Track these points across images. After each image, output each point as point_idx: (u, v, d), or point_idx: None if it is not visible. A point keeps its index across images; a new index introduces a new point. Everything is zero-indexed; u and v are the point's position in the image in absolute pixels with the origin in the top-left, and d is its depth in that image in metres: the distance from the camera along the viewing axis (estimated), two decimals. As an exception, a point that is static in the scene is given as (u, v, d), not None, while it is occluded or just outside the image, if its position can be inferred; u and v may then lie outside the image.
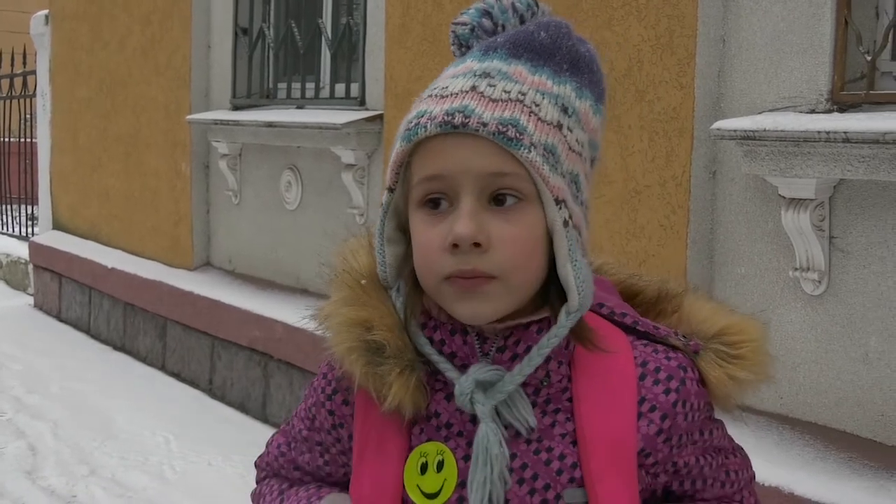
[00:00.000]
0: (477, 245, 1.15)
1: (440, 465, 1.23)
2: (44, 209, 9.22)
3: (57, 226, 8.86)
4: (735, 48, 3.39)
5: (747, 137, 3.12)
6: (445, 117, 1.16)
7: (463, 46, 1.26)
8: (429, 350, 1.24)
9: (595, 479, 1.21)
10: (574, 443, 1.22)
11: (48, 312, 8.70)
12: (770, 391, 3.32)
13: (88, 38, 8.07)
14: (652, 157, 3.52)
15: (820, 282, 3.16)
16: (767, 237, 3.32)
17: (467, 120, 1.15)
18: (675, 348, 1.29)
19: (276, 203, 5.98)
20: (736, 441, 1.41)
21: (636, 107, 3.57)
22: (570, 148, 1.19)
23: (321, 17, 5.72)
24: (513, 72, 1.19)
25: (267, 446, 1.49)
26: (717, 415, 1.35)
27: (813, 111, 3.13)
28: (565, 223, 1.18)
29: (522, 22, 1.25)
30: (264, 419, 5.68)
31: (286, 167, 5.86)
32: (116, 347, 7.49)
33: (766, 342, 1.33)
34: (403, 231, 1.26)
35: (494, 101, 1.16)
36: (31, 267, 9.23)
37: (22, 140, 10.88)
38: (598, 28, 3.69)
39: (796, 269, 3.19)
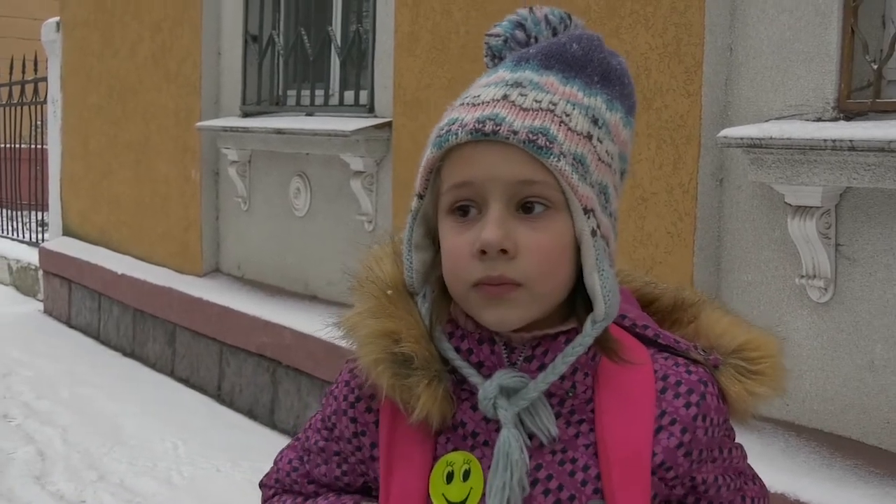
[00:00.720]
0: (504, 252, 1.16)
1: (466, 475, 1.23)
2: (54, 215, 9.26)
3: (67, 232, 8.90)
4: (742, 56, 3.40)
5: (754, 145, 3.13)
6: (476, 125, 1.16)
7: (496, 58, 1.27)
8: (453, 356, 1.24)
9: (615, 490, 1.21)
10: (597, 454, 1.23)
11: (58, 318, 8.73)
12: (776, 398, 3.32)
13: (99, 45, 8.11)
14: (659, 165, 3.54)
15: (826, 289, 3.16)
16: (774, 245, 3.33)
17: (498, 128, 1.15)
18: (695, 362, 1.29)
19: (286, 210, 6.00)
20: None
21: (644, 114, 3.58)
22: (599, 159, 1.20)
23: (331, 25, 5.75)
24: (544, 82, 1.20)
25: (275, 463, 1.47)
26: (735, 429, 1.35)
27: (819, 119, 3.14)
28: (593, 232, 1.19)
29: (555, 34, 1.26)
30: (272, 425, 5.69)
31: (295, 174, 5.88)
32: (126, 353, 7.51)
33: (784, 358, 1.33)
34: (431, 238, 1.27)
35: (525, 110, 1.17)
36: (41, 273, 9.26)
37: (33, 146, 10.92)
38: (606, 36, 3.67)
39: (802, 277, 3.20)
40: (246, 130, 6.05)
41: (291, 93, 6.18)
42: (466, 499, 1.23)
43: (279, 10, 6.25)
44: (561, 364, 1.21)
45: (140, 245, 7.57)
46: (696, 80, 3.41)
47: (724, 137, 3.23)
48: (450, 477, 1.24)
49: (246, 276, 6.46)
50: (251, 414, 5.94)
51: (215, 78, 6.72)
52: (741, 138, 3.17)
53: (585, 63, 1.22)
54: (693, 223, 3.44)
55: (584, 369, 1.24)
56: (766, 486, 1.43)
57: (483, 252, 1.16)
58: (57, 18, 9.03)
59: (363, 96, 5.42)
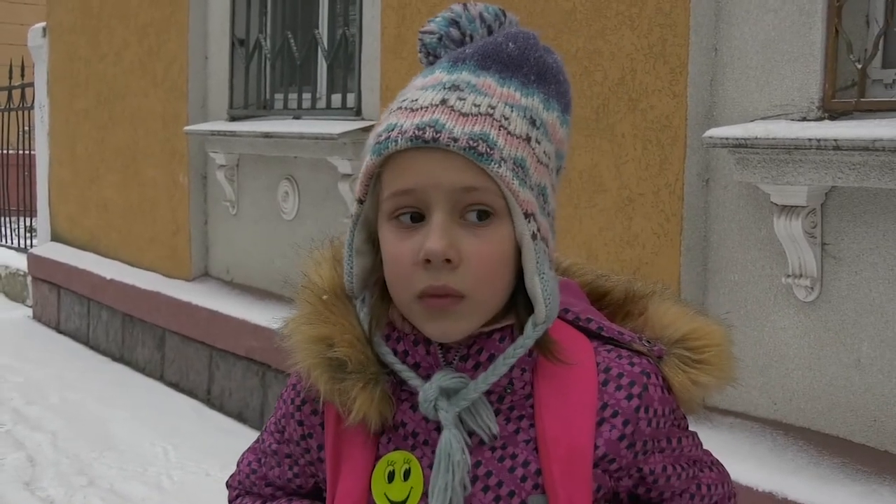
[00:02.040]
0: (448, 261, 1.16)
1: (407, 474, 1.24)
2: (42, 221, 9.23)
3: (56, 237, 8.88)
4: (727, 57, 3.42)
5: (739, 145, 3.14)
6: (416, 132, 1.16)
7: (430, 55, 1.27)
8: (392, 359, 1.25)
9: (556, 484, 1.21)
10: (537, 449, 1.23)
11: (47, 324, 8.71)
12: (764, 397, 3.34)
13: (86, 50, 8.10)
14: (645, 166, 3.55)
15: (812, 288, 3.18)
16: (760, 244, 3.34)
17: (438, 135, 1.15)
18: (639, 353, 1.30)
19: (274, 213, 6.00)
20: (718, 458, 1.42)
21: (629, 115, 3.59)
22: (538, 160, 1.20)
23: (317, 28, 5.75)
24: (481, 84, 1.19)
25: (238, 465, 1.49)
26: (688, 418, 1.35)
27: (804, 119, 3.15)
28: (534, 236, 1.19)
29: (490, 32, 1.25)
30: (262, 429, 5.68)
31: (283, 177, 5.88)
32: (115, 358, 7.49)
33: (730, 346, 1.34)
34: (372, 242, 1.27)
35: (465, 115, 1.16)
36: (29, 279, 9.24)
37: (20, 152, 10.88)
38: (592, 37, 3.71)
39: (789, 276, 3.21)
40: (233, 134, 6.04)
41: (279, 96, 6.17)
42: (407, 498, 1.24)
43: (266, 13, 6.25)
44: (502, 365, 1.22)
45: (129, 250, 7.56)
46: (681, 81, 3.42)
47: (710, 138, 3.24)
48: (391, 476, 1.25)
49: (235, 279, 6.45)
50: (241, 418, 5.93)
51: (202, 82, 6.71)
52: (726, 138, 3.18)
53: (522, 62, 1.21)
54: (680, 224, 3.45)
55: (521, 365, 1.25)
56: (728, 471, 1.43)
57: (427, 261, 1.16)
58: (43, 24, 9.02)
59: (350, 99, 5.42)
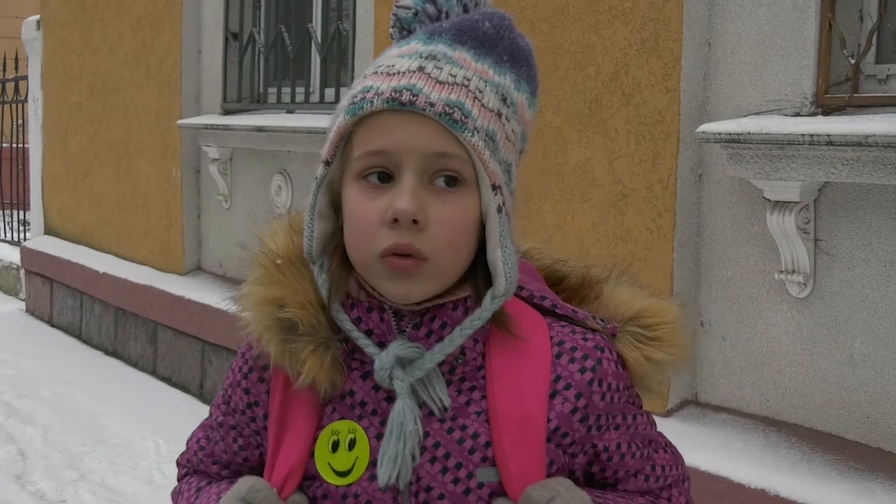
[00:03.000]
0: (415, 222, 1.17)
1: (352, 444, 1.24)
2: (36, 214, 9.21)
3: (49, 231, 8.86)
4: (720, 51, 3.40)
5: (732, 140, 3.13)
6: (393, 94, 1.17)
7: (404, 30, 1.28)
8: (349, 326, 1.25)
9: (507, 456, 1.22)
10: (488, 421, 1.23)
11: (40, 317, 8.69)
12: (756, 393, 3.33)
13: (80, 43, 8.07)
14: (638, 161, 3.53)
15: (805, 284, 3.17)
16: (753, 240, 3.33)
17: (415, 98, 1.16)
18: (593, 330, 1.31)
19: (267, 207, 5.98)
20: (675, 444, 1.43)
21: (622, 110, 3.58)
22: (507, 137, 1.22)
23: (311, 22, 5.73)
24: (457, 57, 1.21)
25: (187, 442, 1.49)
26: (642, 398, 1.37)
27: (797, 114, 3.14)
28: (499, 209, 1.21)
29: (466, 10, 1.27)
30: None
31: (276, 171, 5.87)
32: (108, 352, 7.48)
33: (682, 324, 1.35)
34: (334, 207, 1.28)
35: (441, 83, 1.18)
36: (22, 272, 9.22)
37: (14, 145, 10.86)
38: (585, 31, 3.70)
39: (782, 272, 3.20)
40: (227, 128, 6.02)
41: (272, 90, 6.16)
42: (352, 468, 1.24)
43: (259, 7, 6.23)
44: (458, 336, 1.23)
45: (121, 243, 7.54)
46: (674, 76, 3.41)
47: (703, 133, 3.23)
48: (335, 446, 1.25)
49: (227, 273, 6.43)
50: (233, 412, 5.91)
51: (196, 76, 6.69)
52: (719, 133, 3.17)
53: (496, 41, 1.23)
54: (672, 219, 3.44)
55: (473, 336, 1.25)
56: (682, 455, 1.44)
57: (395, 221, 1.17)
58: (37, 17, 8.99)
59: (344, 93, 5.40)
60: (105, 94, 7.67)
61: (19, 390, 6.42)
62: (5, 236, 11.00)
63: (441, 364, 1.24)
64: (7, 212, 11.26)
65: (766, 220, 3.20)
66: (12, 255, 9.86)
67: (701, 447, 3.22)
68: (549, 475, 1.24)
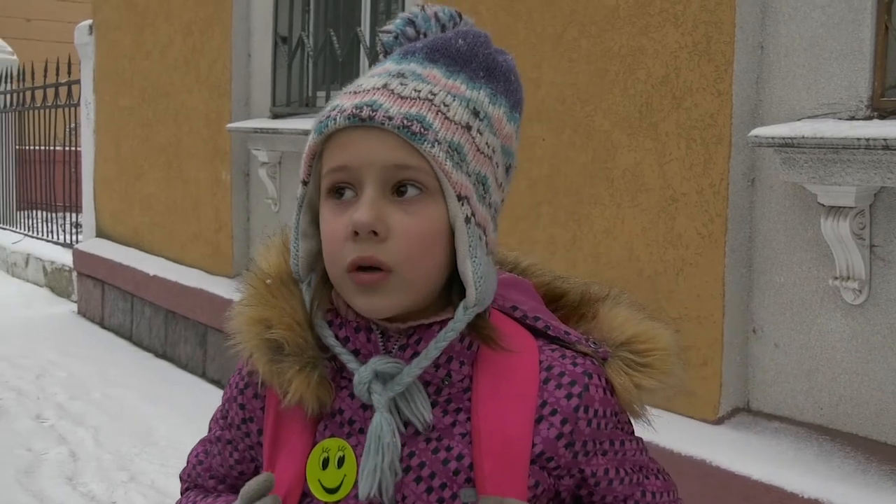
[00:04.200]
0: (375, 234, 1.19)
1: (341, 461, 1.26)
2: (88, 217, 9.31)
3: (100, 233, 8.95)
4: (773, 54, 3.35)
5: (786, 145, 3.08)
6: (354, 110, 1.20)
7: (387, 53, 1.32)
8: (332, 342, 1.27)
9: (487, 478, 1.22)
10: (472, 442, 1.24)
11: (91, 319, 8.78)
12: (810, 402, 3.28)
13: (131, 47, 8.15)
14: (689, 165, 3.49)
15: (860, 291, 3.11)
16: (807, 245, 3.28)
17: (374, 113, 1.19)
18: (584, 354, 1.31)
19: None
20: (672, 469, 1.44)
21: (673, 114, 3.54)
22: (478, 149, 1.23)
23: (360, 26, 5.74)
24: (427, 74, 1.24)
25: (188, 458, 1.50)
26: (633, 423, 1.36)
27: (853, 118, 3.09)
28: (467, 220, 1.21)
29: (444, 31, 1.30)
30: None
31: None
32: (158, 354, 7.54)
33: (675, 351, 1.34)
34: (316, 225, 1.29)
35: (403, 98, 1.21)
36: (75, 274, 9.32)
37: (67, 148, 10.99)
38: (635, 35, 3.66)
39: (836, 278, 3.15)
40: (276, 132, 6.05)
41: (321, 94, 6.17)
42: (340, 485, 1.25)
43: (308, 11, 6.25)
44: (434, 349, 1.23)
45: (172, 246, 7.59)
46: (726, 79, 3.37)
47: (756, 137, 3.18)
48: (325, 463, 1.27)
49: (276, 277, 6.45)
50: (282, 415, 5.93)
51: (245, 79, 6.73)
52: (773, 138, 3.12)
53: (470, 58, 1.26)
54: (724, 224, 3.39)
55: (459, 357, 1.26)
56: (675, 483, 1.43)
57: (356, 233, 1.19)
58: (90, 21, 9.08)
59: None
60: (156, 98, 7.73)
61: (71, 392, 6.49)
62: (58, 239, 11.12)
63: (428, 385, 1.26)
64: (60, 214, 11.39)
65: (820, 226, 3.15)
66: (65, 258, 9.97)
67: (753, 456, 3.18)
68: (535, 496, 1.25)
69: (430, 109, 1.20)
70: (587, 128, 3.87)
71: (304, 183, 1.28)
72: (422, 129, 1.19)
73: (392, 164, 1.20)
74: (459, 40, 1.27)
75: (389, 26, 1.32)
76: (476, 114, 1.23)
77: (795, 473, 3.06)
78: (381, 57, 1.33)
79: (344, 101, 1.23)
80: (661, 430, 3.46)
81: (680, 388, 1.34)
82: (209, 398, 6.36)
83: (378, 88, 1.22)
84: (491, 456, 1.23)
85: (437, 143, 1.19)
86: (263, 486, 1.23)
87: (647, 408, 1.34)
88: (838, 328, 3.20)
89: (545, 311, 1.37)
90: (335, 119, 1.21)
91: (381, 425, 1.22)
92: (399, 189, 1.21)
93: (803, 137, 3.02)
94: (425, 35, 1.30)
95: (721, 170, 3.39)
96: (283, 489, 1.27)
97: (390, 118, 1.18)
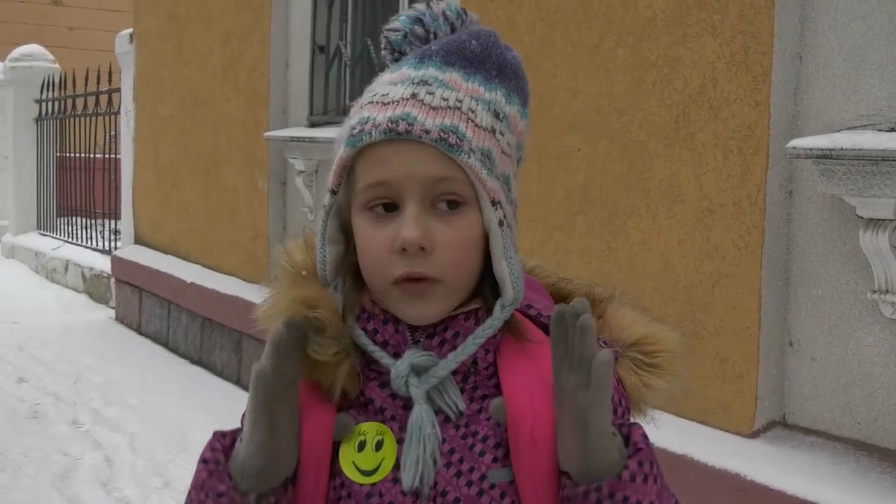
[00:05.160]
0: (422, 249, 1.22)
1: (379, 445, 1.28)
2: (126, 224, 9.39)
3: (139, 240, 9.02)
4: (812, 65, 3.32)
5: (824, 156, 3.05)
6: (389, 124, 1.21)
7: (395, 52, 1.33)
8: (364, 341, 1.29)
9: (520, 453, 1.24)
10: (499, 424, 1.27)
11: (129, 325, 8.85)
12: (847, 416, 3.24)
13: (171, 56, 8.21)
14: (726, 176, 3.46)
15: (899, 305, 3.07)
16: (845, 258, 3.24)
17: (410, 127, 1.20)
18: None
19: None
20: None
21: (710, 124, 3.51)
22: (502, 151, 1.27)
23: (397, 35, 5.74)
24: (448, 79, 1.25)
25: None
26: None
27: (892, 129, 3.05)
28: (500, 223, 1.26)
29: (453, 29, 1.32)
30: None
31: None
32: (193, 361, 7.58)
33: (681, 354, 1.38)
34: (344, 231, 1.32)
35: (434, 108, 1.22)
36: (113, 280, 9.40)
37: (107, 156, 11.09)
38: (672, 45, 3.64)
39: (875, 292, 3.11)
40: (312, 140, 6.07)
41: (358, 103, 6.18)
42: (378, 468, 1.27)
43: (346, 20, 6.27)
44: (471, 345, 1.27)
45: (209, 254, 7.64)
46: (764, 90, 3.34)
47: (794, 148, 3.15)
48: (361, 446, 1.28)
49: (312, 285, 6.47)
50: (315, 423, 5.94)
51: (283, 88, 6.76)
52: (811, 149, 3.09)
53: (484, 59, 1.28)
54: (761, 236, 3.36)
55: (485, 346, 1.29)
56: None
57: (403, 249, 1.22)
58: (130, 30, 9.17)
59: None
60: (195, 107, 7.79)
61: (107, 397, 6.54)
62: (97, 245, 11.22)
63: (455, 373, 1.29)
64: (99, 221, 11.49)
65: (858, 238, 3.11)
66: (103, 264, 10.05)
67: (789, 471, 3.14)
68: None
69: (460, 118, 1.23)
70: (623, 138, 3.85)
71: (333, 192, 1.30)
72: (458, 141, 1.21)
73: (432, 177, 1.22)
74: (473, 41, 1.29)
75: (396, 24, 1.33)
76: (497, 116, 1.26)
77: (832, 489, 3.02)
78: (385, 54, 1.35)
79: (374, 112, 1.24)
80: (696, 442, 3.43)
81: (683, 389, 1.37)
82: (244, 405, 6.34)
83: (407, 99, 1.23)
84: (522, 434, 1.25)
85: (471, 153, 1.22)
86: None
87: (650, 409, 1.38)
88: (876, 342, 3.16)
89: None
90: (370, 133, 1.22)
91: (422, 417, 1.24)
92: (439, 201, 1.23)
93: (842, 149, 2.99)
94: (434, 34, 1.31)
95: (758, 181, 3.36)
96: (311, 475, 1.28)
97: (427, 131, 1.20)
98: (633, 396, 1.34)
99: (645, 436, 1.27)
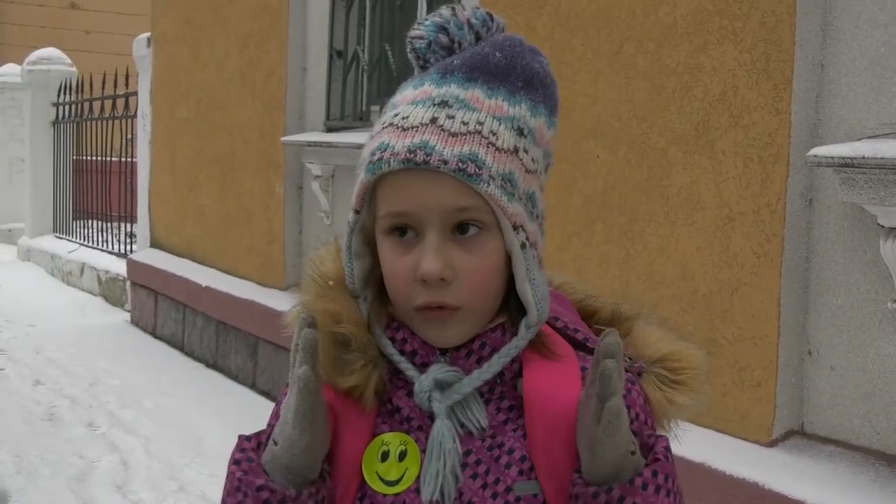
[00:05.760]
0: (443, 279, 1.22)
1: (402, 455, 1.28)
2: (142, 227, 9.41)
3: (154, 244, 9.04)
4: (834, 73, 3.31)
5: (845, 164, 3.04)
6: (408, 154, 1.21)
7: (420, 59, 1.32)
8: (391, 351, 1.30)
9: (543, 465, 1.25)
10: (525, 436, 1.27)
11: (144, 329, 8.86)
12: (866, 426, 3.22)
13: (188, 60, 8.23)
14: (746, 184, 3.45)
15: (920, 314, 3.06)
16: (865, 267, 3.22)
17: (428, 157, 1.20)
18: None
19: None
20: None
21: (730, 132, 3.50)
22: (526, 170, 1.26)
23: (415, 41, 5.74)
24: (469, 97, 1.24)
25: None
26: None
27: (915, 138, 3.04)
28: (523, 245, 1.25)
29: (478, 38, 1.30)
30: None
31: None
32: (209, 364, 7.59)
33: (706, 371, 1.39)
34: (369, 244, 1.32)
35: (454, 135, 1.21)
36: (128, 284, 9.42)
37: (123, 159, 11.12)
38: (693, 52, 3.64)
39: (895, 301, 3.09)
40: (330, 145, 6.08)
41: (375, 108, 6.19)
42: (401, 478, 1.27)
43: (364, 25, 6.28)
44: (496, 363, 1.28)
45: (224, 258, 7.65)
46: (785, 98, 3.33)
47: (815, 156, 3.14)
48: (384, 456, 1.28)
49: (327, 290, 6.47)
50: (330, 428, 5.93)
51: (300, 93, 6.77)
52: (832, 157, 3.08)
53: (509, 71, 1.27)
54: (781, 244, 3.35)
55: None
56: None
57: (424, 280, 1.22)
58: (148, 34, 9.20)
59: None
60: (211, 111, 7.81)
61: (123, 400, 6.55)
62: (113, 249, 11.25)
63: (482, 383, 1.29)
64: (115, 224, 11.52)
65: (879, 248, 3.10)
66: (119, 267, 10.08)
67: (807, 480, 3.13)
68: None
69: (480, 144, 1.21)
70: (643, 145, 3.84)
71: (357, 212, 1.30)
72: (476, 170, 1.20)
73: (451, 207, 1.22)
74: (497, 54, 1.27)
75: (420, 31, 1.31)
76: (521, 132, 1.25)
77: (851, 499, 3.01)
78: (412, 58, 1.33)
79: (393, 139, 1.23)
80: (714, 451, 3.41)
81: (707, 406, 1.38)
82: (259, 409, 6.39)
83: (426, 125, 1.22)
84: (544, 445, 1.26)
85: (491, 180, 1.21)
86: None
87: (675, 425, 1.39)
88: (897, 352, 3.14)
89: (583, 325, 1.41)
90: (388, 162, 1.22)
91: (443, 432, 1.25)
92: (460, 228, 1.23)
93: (864, 157, 2.97)
94: (459, 44, 1.30)
95: (778, 189, 3.35)
96: (341, 481, 1.29)
97: (445, 161, 1.20)
98: (658, 412, 1.35)
99: (667, 449, 1.27)
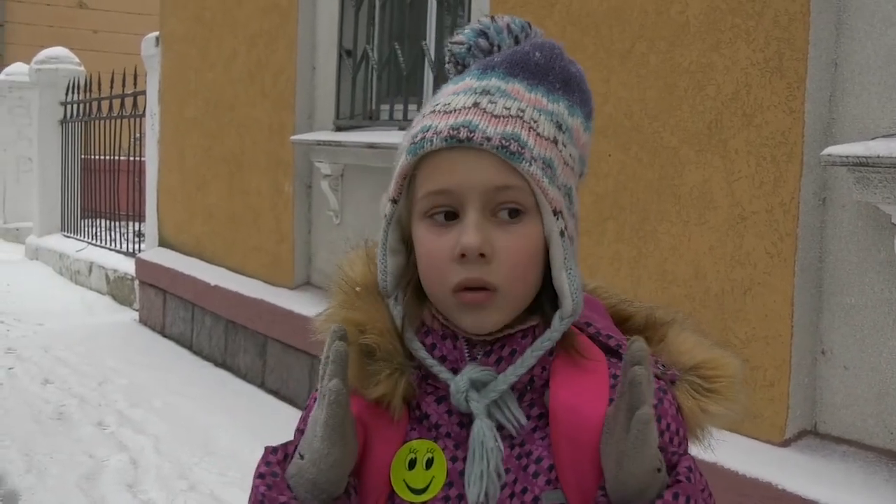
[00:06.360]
0: (482, 255, 1.21)
1: (429, 463, 1.27)
2: (150, 226, 9.42)
3: (163, 243, 9.04)
4: (848, 72, 3.30)
5: (859, 164, 3.03)
6: (451, 132, 1.21)
7: (459, 65, 1.33)
8: (423, 354, 1.29)
9: (568, 477, 1.24)
10: (552, 445, 1.26)
11: (152, 328, 8.87)
12: (880, 426, 3.21)
13: (197, 59, 8.23)
14: (759, 183, 3.44)
15: (935, 314, 3.04)
16: (879, 267, 3.21)
17: (472, 134, 1.20)
18: (654, 377, 1.30)
19: (377, 224, 5.99)
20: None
21: (743, 131, 3.49)
22: (564, 162, 1.26)
23: (425, 40, 5.74)
24: (511, 90, 1.25)
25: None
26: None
27: (929, 137, 3.03)
28: (561, 233, 1.25)
29: (517, 42, 1.31)
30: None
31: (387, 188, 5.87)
32: (217, 363, 7.59)
33: (741, 380, 1.36)
34: (405, 242, 1.32)
35: (496, 116, 1.22)
36: (137, 283, 9.43)
37: (132, 158, 11.13)
38: (706, 51, 3.63)
39: (910, 301, 3.08)
40: (339, 144, 6.07)
41: (384, 107, 6.19)
42: (428, 486, 1.26)
43: (374, 25, 6.27)
44: (530, 357, 1.26)
45: (233, 257, 7.65)
46: (798, 96, 3.32)
47: (829, 155, 3.13)
48: (412, 464, 1.28)
49: (337, 289, 6.46)
50: (340, 427, 5.93)
51: (309, 92, 6.77)
52: (846, 156, 3.06)
53: (548, 71, 1.28)
54: (794, 243, 3.34)
55: (541, 363, 1.28)
56: None
57: (463, 255, 1.21)
58: (156, 33, 9.20)
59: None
60: (220, 110, 7.81)
61: (132, 400, 6.55)
62: (121, 247, 11.26)
63: (511, 390, 1.27)
64: (123, 223, 11.53)
65: (893, 247, 3.09)
66: (127, 266, 10.08)
67: (820, 480, 3.12)
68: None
69: (522, 127, 1.22)
70: (655, 144, 3.83)
71: (394, 202, 1.30)
72: (519, 148, 1.21)
73: (493, 185, 1.21)
74: (536, 53, 1.28)
75: (460, 37, 1.33)
76: (560, 127, 1.26)
77: (864, 499, 3.00)
78: (448, 67, 1.34)
79: (435, 121, 1.24)
80: (727, 451, 3.40)
81: (743, 415, 1.35)
82: (268, 408, 6.40)
83: (469, 107, 1.23)
84: (571, 459, 1.24)
85: (533, 161, 1.21)
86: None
87: (708, 433, 1.36)
88: (911, 352, 3.13)
89: (616, 331, 1.38)
90: (431, 140, 1.22)
91: (484, 431, 1.23)
92: (499, 210, 1.23)
93: (878, 156, 2.96)
94: (499, 47, 1.31)
95: (792, 188, 3.34)
96: (372, 492, 1.29)
97: (488, 139, 1.20)
98: (691, 422, 1.32)
99: (690, 469, 1.26)
